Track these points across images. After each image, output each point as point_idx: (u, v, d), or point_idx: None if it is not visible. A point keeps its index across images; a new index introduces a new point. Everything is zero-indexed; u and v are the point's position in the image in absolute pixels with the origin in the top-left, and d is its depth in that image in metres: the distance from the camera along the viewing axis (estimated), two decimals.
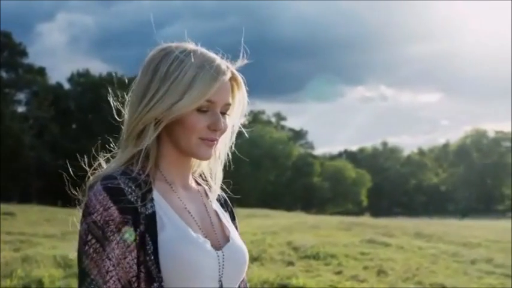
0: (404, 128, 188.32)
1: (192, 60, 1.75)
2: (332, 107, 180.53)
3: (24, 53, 61.29)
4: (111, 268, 1.63)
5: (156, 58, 1.82)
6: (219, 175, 1.98)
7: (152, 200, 1.73)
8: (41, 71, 63.19)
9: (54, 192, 46.52)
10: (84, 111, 63.12)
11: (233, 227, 1.98)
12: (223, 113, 1.83)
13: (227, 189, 2.07)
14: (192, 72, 1.74)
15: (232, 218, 2.06)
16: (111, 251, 1.63)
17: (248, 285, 2.07)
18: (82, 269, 1.64)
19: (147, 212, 1.69)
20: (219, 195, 2.02)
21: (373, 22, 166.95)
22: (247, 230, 17.86)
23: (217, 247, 1.80)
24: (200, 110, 1.76)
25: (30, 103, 61.46)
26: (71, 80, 67.39)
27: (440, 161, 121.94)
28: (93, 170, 1.91)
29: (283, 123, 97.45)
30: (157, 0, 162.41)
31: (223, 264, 1.77)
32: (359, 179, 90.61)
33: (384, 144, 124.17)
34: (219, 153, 1.95)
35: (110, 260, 1.63)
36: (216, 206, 1.99)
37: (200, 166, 1.99)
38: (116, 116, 1.94)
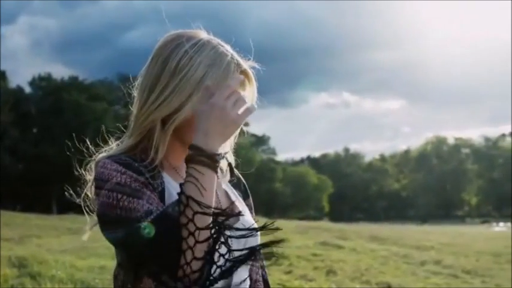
0: (366, 135, 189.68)
1: (202, 57, 1.74)
2: (295, 113, 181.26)
3: None
4: (153, 199, 1.65)
5: (166, 50, 1.80)
6: (231, 161, 1.98)
7: (161, 177, 1.74)
8: (1, 75, 62.41)
9: (14, 196, 46.29)
10: (45, 115, 62.59)
11: (244, 205, 1.99)
12: None
13: None
14: (201, 71, 1.72)
15: (246, 197, 2.09)
16: (149, 198, 1.64)
17: (266, 273, 2.08)
18: (119, 216, 1.61)
19: (159, 189, 1.70)
20: (231, 177, 2.02)
21: (337, 29, 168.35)
22: None
23: None
24: None
25: None
26: (32, 83, 66.83)
27: (401, 167, 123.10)
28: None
29: (245, 128, 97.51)
30: (121, 3, 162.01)
31: (231, 242, 1.73)
32: (321, 184, 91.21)
33: (346, 150, 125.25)
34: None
35: (150, 204, 1.63)
36: (227, 186, 1.99)
37: None
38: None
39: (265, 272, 2.06)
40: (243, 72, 1.82)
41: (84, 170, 1.91)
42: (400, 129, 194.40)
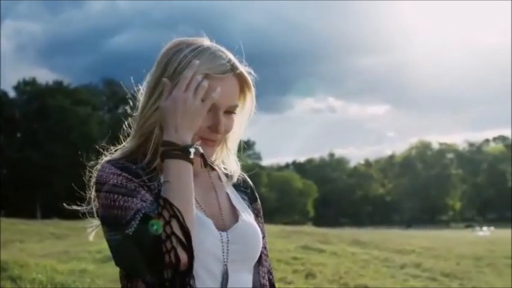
0: (351, 140, 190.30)
1: (200, 61, 1.76)
2: (281, 118, 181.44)
3: None
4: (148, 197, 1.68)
5: (167, 55, 1.82)
6: (235, 167, 2.00)
7: (159, 180, 1.74)
8: None
9: None
10: (29, 120, 62.46)
11: (248, 210, 1.96)
12: (230, 113, 1.83)
13: None
14: (198, 76, 1.74)
15: (254, 200, 2.06)
16: (143, 196, 1.67)
17: (272, 277, 2.04)
18: (116, 217, 1.64)
19: (155, 191, 1.72)
20: (238, 179, 2.02)
21: (322, 34, 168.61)
22: None
23: (222, 229, 1.78)
24: None
25: None
26: (16, 88, 66.64)
27: (386, 172, 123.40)
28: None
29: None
30: (106, 8, 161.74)
31: (227, 247, 1.76)
32: (306, 189, 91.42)
33: (331, 155, 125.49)
34: (229, 147, 1.98)
35: (144, 201, 1.66)
36: (231, 190, 1.97)
37: (218, 157, 2.01)
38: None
39: (272, 276, 2.04)
40: (238, 76, 1.82)
41: (90, 174, 1.93)
42: (385, 134, 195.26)
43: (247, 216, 1.91)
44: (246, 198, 2.01)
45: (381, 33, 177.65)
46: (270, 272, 2.02)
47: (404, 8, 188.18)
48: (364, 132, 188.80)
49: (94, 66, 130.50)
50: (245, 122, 1.94)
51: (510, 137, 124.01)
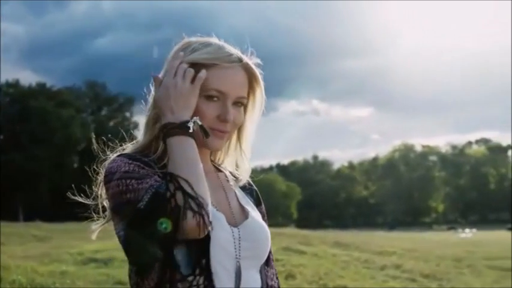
0: (335, 142, 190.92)
1: (208, 51, 1.79)
2: (264, 120, 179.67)
3: None
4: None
5: (176, 51, 1.84)
6: (247, 167, 1.99)
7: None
8: None
9: None
10: (12, 122, 62.10)
11: (255, 209, 1.95)
12: (239, 104, 1.84)
13: None
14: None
15: (258, 204, 2.04)
16: (156, 179, 1.64)
17: (278, 281, 2.00)
18: (129, 200, 1.61)
19: None
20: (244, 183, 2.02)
21: (306, 37, 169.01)
22: None
23: (233, 225, 1.77)
24: (210, 99, 1.77)
25: None
26: None
27: (370, 174, 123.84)
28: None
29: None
30: (90, 10, 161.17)
31: (239, 243, 1.75)
32: (289, 192, 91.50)
33: (315, 157, 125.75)
34: (243, 148, 1.97)
35: (157, 182, 1.63)
36: (238, 191, 1.97)
37: (225, 157, 2.01)
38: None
39: (278, 281, 1.99)
40: (246, 67, 1.83)
41: (97, 170, 1.90)
42: (368, 137, 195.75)
43: (256, 214, 1.91)
44: (251, 200, 2.01)
45: (365, 36, 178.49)
46: (272, 279, 1.96)
47: (389, 11, 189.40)
48: (347, 135, 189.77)
49: (77, 68, 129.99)
50: (257, 119, 1.94)
51: (492, 140, 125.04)
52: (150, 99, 1.86)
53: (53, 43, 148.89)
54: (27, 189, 55.20)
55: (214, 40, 1.85)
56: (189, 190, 1.57)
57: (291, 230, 29.91)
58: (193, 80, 1.74)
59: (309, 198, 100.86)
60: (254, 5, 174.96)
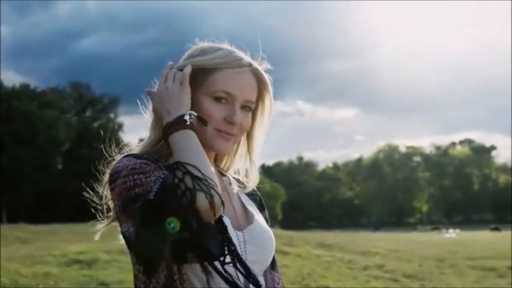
0: (320, 143, 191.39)
1: (216, 54, 1.81)
2: None
3: None
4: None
5: (188, 55, 1.87)
6: (255, 176, 2.00)
7: None
8: None
9: None
10: None
11: (259, 213, 1.96)
12: (247, 109, 1.84)
13: None
14: (212, 64, 1.79)
15: (262, 209, 2.04)
16: (163, 172, 1.65)
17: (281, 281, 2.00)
18: (137, 195, 1.61)
19: None
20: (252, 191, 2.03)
21: (291, 38, 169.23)
22: None
23: (237, 228, 1.79)
24: (218, 101, 1.78)
25: None
26: None
27: (354, 175, 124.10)
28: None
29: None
30: (73, 11, 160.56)
31: (244, 247, 1.76)
32: (274, 192, 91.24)
33: (300, 158, 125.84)
34: (253, 159, 1.98)
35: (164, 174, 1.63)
36: (242, 195, 1.98)
37: (231, 164, 2.01)
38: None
39: (282, 283, 2.00)
40: (255, 73, 1.85)
41: (104, 170, 1.89)
42: (353, 138, 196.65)
43: (260, 218, 1.92)
44: (255, 205, 2.01)
45: (349, 38, 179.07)
46: (281, 280, 1.99)
47: (374, 13, 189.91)
48: (332, 136, 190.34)
49: (61, 69, 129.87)
50: (266, 125, 1.94)
51: (476, 141, 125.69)
52: (150, 106, 1.87)
53: (37, 44, 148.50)
54: (10, 190, 54.90)
55: (225, 45, 1.86)
56: (197, 173, 1.56)
57: (275, 231, 28.89)
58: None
59: (293, 199, 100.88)
60: (238, 6, 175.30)
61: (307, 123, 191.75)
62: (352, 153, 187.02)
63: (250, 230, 1.81)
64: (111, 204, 1.84)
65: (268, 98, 1.90)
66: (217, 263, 1.60)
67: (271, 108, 1.92)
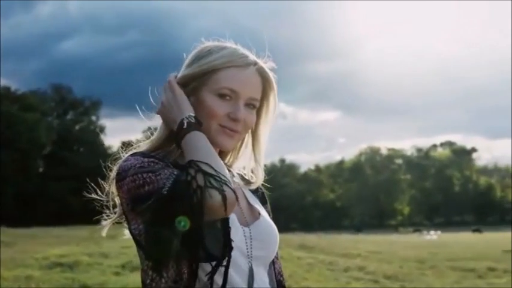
0: (302, 146, 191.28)
1: (221, 53, 1.83)
2: None
3: None
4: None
5: (194, 55, 1.88)
6: (261, 175, 2.00)
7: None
8: None
9: None
10: None
11: (262, 208, 1.98)
12: (251, 107, 1.85)
13: None
14: (217, 62, 1.81)
15: (264, 202, 2.05)
16: (173, 170, 1.66)
17: (283, 278, 2.03)
18: (148, 192, 1.61)
19: None
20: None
21: (273, 40, 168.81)
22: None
23: (244, 224, 1.80)
24: (222, 97, 1.79)
25: None
26: None
27: (336, 177, 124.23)
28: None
29: None
30: (55, 13, 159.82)
31: (250, 243, 1.78)
32: None
33: (282, 161, 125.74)
34: (258, 159, 1.98)
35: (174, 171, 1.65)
36: (246, 191, 1.99)
37: (234, 161, 2.01)
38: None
39: (283, 278, 2.03)
40: (260, 71, 1.87)
41: (110, 167, 1.89)
42: (335, 140, 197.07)
43: (265, 213, 1.94)
44: (258, 200, 2.02)
45: (331, 40, 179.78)
46: (280, 274, 2.01)
47: (355, 15, 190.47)
48: (314, 138, 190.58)
49: (42, 71, 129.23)
50: (270, 124, 1.96)
51: (457, 143, 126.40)
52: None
53: (18, 46, 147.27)
54: None
55: (229, 43, 1.88)
56: (209, 170, 1.58)
57: None
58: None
59: (275, 201, 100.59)
60: (220, 8, 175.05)
61: (289, 126, 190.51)
62: (334, 156, 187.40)
63: (257, 225, 1.83)
64: (117, 200, 1.85)
65: (273, 97, 1.92)
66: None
67: (275, 106, 1.94)
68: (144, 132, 1.97)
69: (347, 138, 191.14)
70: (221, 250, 1.63)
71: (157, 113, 1.85)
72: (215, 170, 1.59)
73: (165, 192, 1.57)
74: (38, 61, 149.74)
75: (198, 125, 1.73)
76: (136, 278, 12.61)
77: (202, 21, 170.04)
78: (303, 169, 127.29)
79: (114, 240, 15.92)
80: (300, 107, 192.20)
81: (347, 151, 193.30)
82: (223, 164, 1.70)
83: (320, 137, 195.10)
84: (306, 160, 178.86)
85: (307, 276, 14.00)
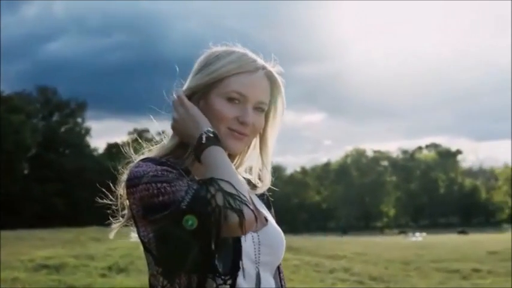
0: (288, 147, 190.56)
1: (229, 58, 1.85)
2: None
3: None
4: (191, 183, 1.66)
5: (202, 61, 1.90)
6: (268, 180, 2.03)
7: (191, 178, 1.72)
8: None
9: None
10: None
11: (269, 214, 2.00)
12: (260, 110, 1.87)
13: None
14: (225, 68, 1.83)
15: (269, 207, 2.08)
16: (188, 181, 1.67)
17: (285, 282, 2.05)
18: (163, 203, 1.62)
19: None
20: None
21: (258, 42, 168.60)
22: (122, 245, 18.11)
23: (253, 230, 1.78)
24: (231, 101, 1.81)
25: None
26: None
27: (322, 179, 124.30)
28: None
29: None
30: (41, 14, 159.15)
31: (259, 248, 1.80)
32: None
33: None
34: (265, 162, 2.01)
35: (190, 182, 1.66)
36: (253, 196, 1.99)
37: (241, 164, 2.02)
38: None
39: (285, 282, 2.05)
40: (269, 75, 1.90)
41: (121, 170, 1.91)
42: (321, 142, 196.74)
43: (272, 219, 1.97)
44: (264, 205, 2.05)
45: (316, 42, 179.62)
46: (283, 279, 2.03)
47: (340, 17, 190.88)
48: (300, 140, 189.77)
49: (28, 73, 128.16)
50: (278, 127, 1.99)
51: (442, 145, 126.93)
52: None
53: (3, 47, 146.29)
54: None
55: (237, 48, 1.91)
56: (230, 189, 1.59)
57: None
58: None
59: None
60: (206, 10, 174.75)
61: None
62: (320, 158, 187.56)
63: (265, 231, 1.85)
64: (126, 203, 1.86)
65: (281, 100, 1.95)
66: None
67: (283, 110, 1.97)
68: (138, 134, 2.00)
69: (333, 140, 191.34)
70: (229, 270, 1.67)
71: (172, 129, 1.87)
72: (236, 189, 1.60)
73: (184, 206, 1.58)
74: (23, 62, 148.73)
75: (216, 139, 1.74)
76: (123, 279, 12.66)
77: (188, 23, 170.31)
78: (289, 171, 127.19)
79: (100, 242, 15.98)
80: (286, 109, 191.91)
81: (333, 153, 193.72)
82: (243, 180, 1.75)
83: (306, 139, 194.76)
84: (292, 162, 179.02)
85: (293, 277, 14.05)
